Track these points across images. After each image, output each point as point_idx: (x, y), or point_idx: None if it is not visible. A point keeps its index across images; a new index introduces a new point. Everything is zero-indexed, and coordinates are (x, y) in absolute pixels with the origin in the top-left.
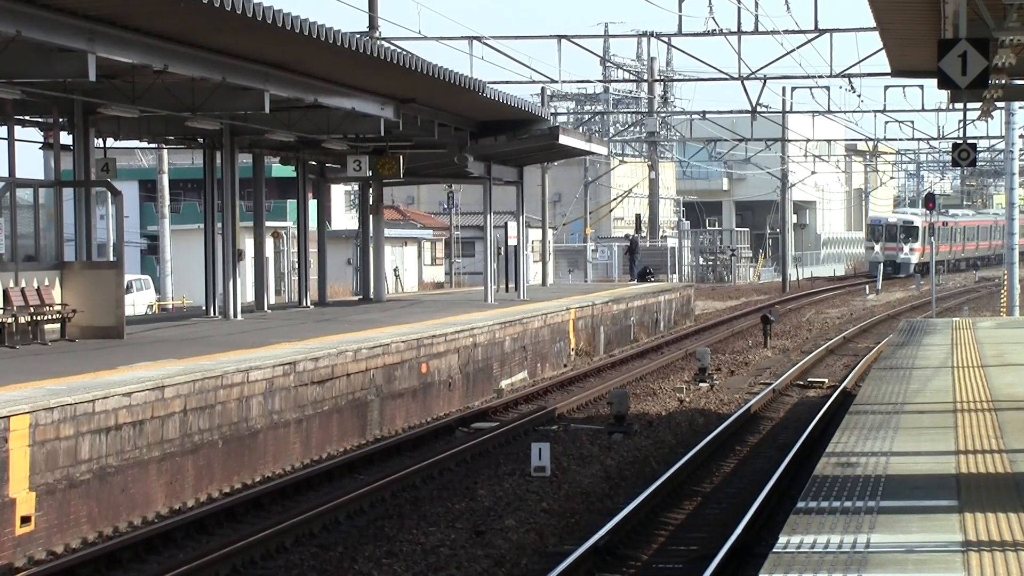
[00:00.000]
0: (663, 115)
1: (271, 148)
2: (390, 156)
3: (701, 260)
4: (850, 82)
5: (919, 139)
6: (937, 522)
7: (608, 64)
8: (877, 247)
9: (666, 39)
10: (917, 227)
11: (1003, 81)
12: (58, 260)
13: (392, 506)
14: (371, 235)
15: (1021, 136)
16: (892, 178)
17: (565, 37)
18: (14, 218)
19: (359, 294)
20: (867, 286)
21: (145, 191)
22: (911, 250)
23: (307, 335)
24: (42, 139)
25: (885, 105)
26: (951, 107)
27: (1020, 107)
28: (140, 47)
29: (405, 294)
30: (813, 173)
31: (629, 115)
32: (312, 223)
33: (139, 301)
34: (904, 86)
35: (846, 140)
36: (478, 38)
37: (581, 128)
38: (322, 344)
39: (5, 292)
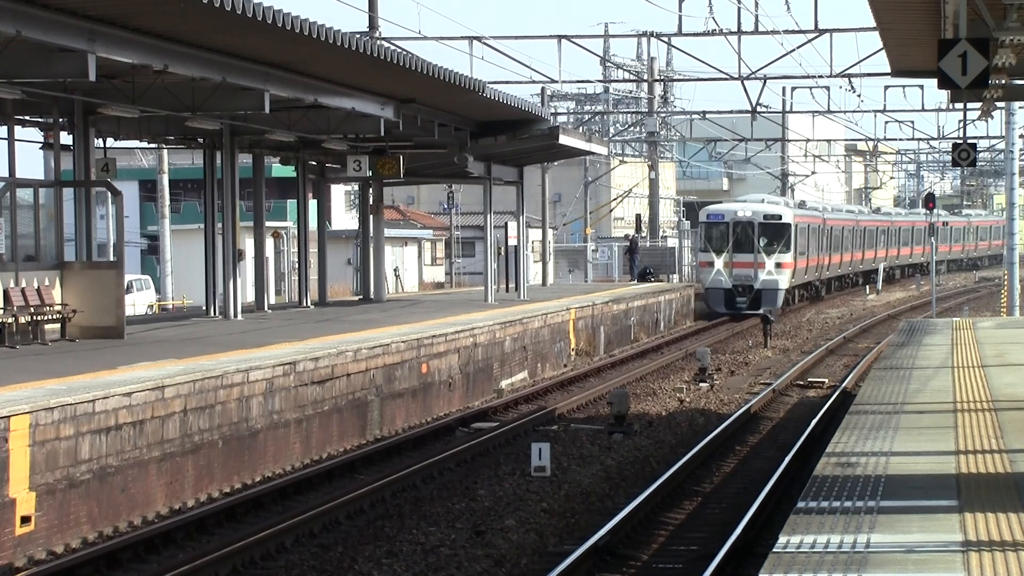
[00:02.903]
0: (663, 115)
1: (271, 148)
2: (390, 156)
3: None
4: (850, 82)
5: (919, 139)
6: (937, 522)
7: (608, 64)
8: (718, 262)
9: (666, 39)
10: (788, 226)
11: (1003, 81)
12: (58, 260)
13: (392, 506)
14: (371, 235)
15: (1021, 136)
16: (892, 178)
17: (565, 37)
18: (14, 218)
19: (359, 294)
20: (867, 286)
21: (145, 191)
22: (778, 266)
23: (307, 335)
24: (42, 139)
25: (885, 105)
26: (951, 107)
27: (1020, 107)
28: (140, 47)
29: (405, 294)
30: (813, 173)
31: (629, 115)
32: (312, 223)
33: (139, 301)
34: (904, 86)
35: (846, 140)
36: (478, 38)
37: (581, 128)
38: (322, 344)
39: (5, 292)
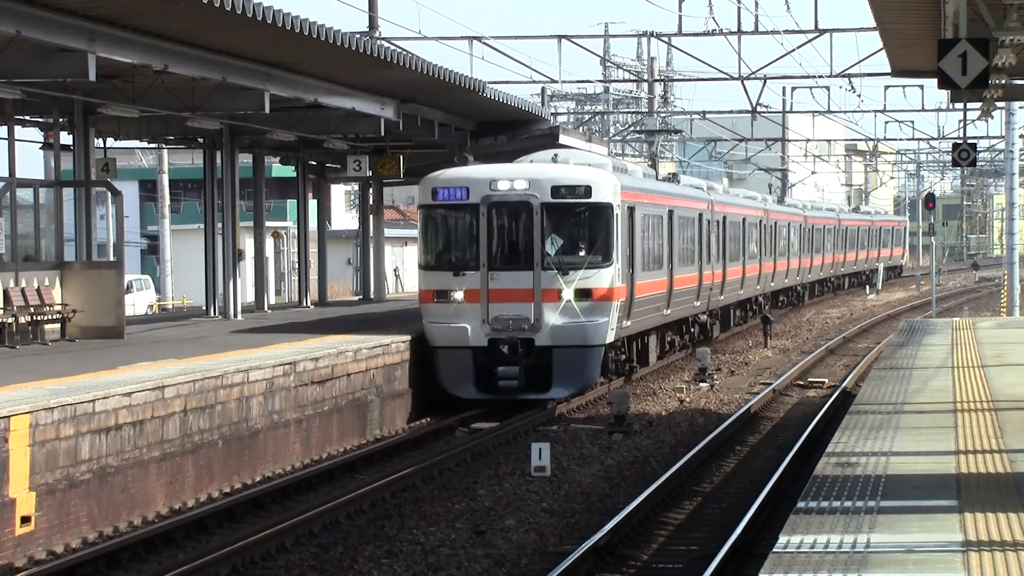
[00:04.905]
0: (663, 115)
1: (271, 148)
2: (390, 156)
3: None
4: (850, 82)
5: (919, 139)
6: (937, 522)
7: (608, 64)
8: (457, 291)
9: (666, 39)
10: (605, 209)
11: (1003, 81)
12: (58, 260)
13: (392, 506)
14: (371, 235)
15: (1021, 136)
16: (892, 178)
17: (565, 37)
18: (14, 218)
19: (359, 294)
20: (867, 286)
21: (145, 191)
22: (586, 296)
23: (307, 335)
24: (42, 139)
25: (885, 105)
26: (951, 107)
27: (1020, 107)
28: (140, 47)
29: (405, 294)
30: (813, 173)
31: (629, 115)
32: (312, 223)
33: (139, 301)
34: (904, 86)
35: (846, 140)
36: (478, 38)
37: (581, 128)
38: (322, 344)
39: (5, 292)
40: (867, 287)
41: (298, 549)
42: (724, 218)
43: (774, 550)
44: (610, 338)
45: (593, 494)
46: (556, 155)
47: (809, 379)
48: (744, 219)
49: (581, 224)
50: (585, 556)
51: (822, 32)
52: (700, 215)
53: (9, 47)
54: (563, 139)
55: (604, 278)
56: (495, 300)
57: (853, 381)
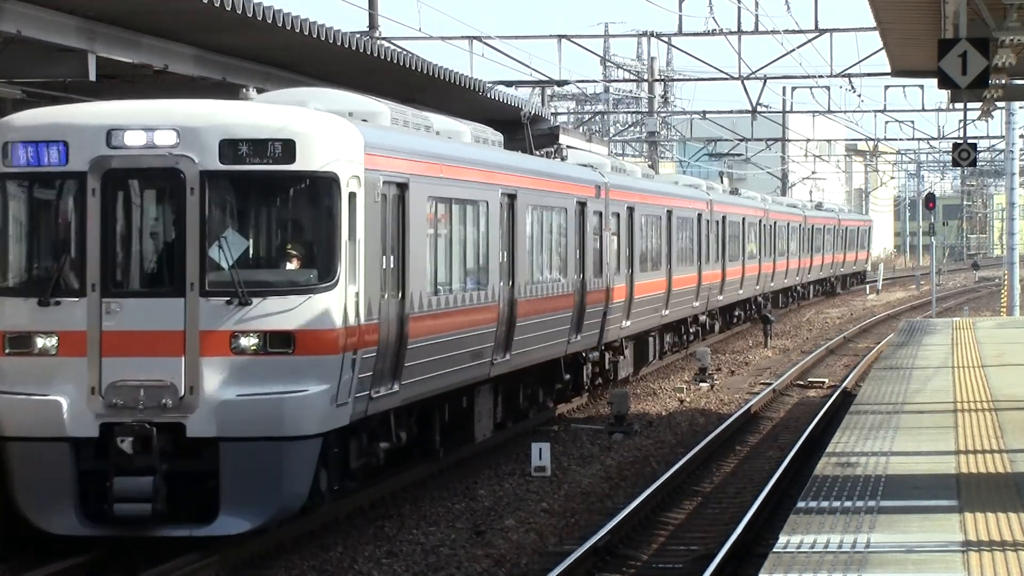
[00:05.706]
0: (663, 115)
1: None
2: None
3: None
4: (850, 82)
5: (919, 139)
6: (937, 522)
7: (608, 64)
8: (46, 338)
9: (666, 39)
10: (327, 183)
11: (1003, 81)
12: None
13: (392, 506)
14: None
15: (1021, 136)
16: (892, 178)
17: (565, 37)
18: None
19: None
20: (867, 286)
21: None
22: (286, 340)
23: None
24: None
25: (885, 105)
26: (951, 107)
27: (1020, 107)
28: (140, 47)
29: None
30: (813, 173)
31: (629, 115)
32: None
33: None
34: (904, 86)
35: (846, 140)
36: (478, 37)
37: (581, 128)
38: None
39: None
40: (867, 287)
41: (298, 549)
42: (631, 210)
43: (774, 550)
44: (342, 419)
45: (593, 494)
46: (249, 89)
47: (809, 379)
48: (670, 212)
49: (280, 211)
50: (585, 556)
51: (822, 32)
52: (582, 204)
53: (9, 47)
54: (563, 139)
55: (323, 310)
56: (114, 352)
57: (853, 381)
